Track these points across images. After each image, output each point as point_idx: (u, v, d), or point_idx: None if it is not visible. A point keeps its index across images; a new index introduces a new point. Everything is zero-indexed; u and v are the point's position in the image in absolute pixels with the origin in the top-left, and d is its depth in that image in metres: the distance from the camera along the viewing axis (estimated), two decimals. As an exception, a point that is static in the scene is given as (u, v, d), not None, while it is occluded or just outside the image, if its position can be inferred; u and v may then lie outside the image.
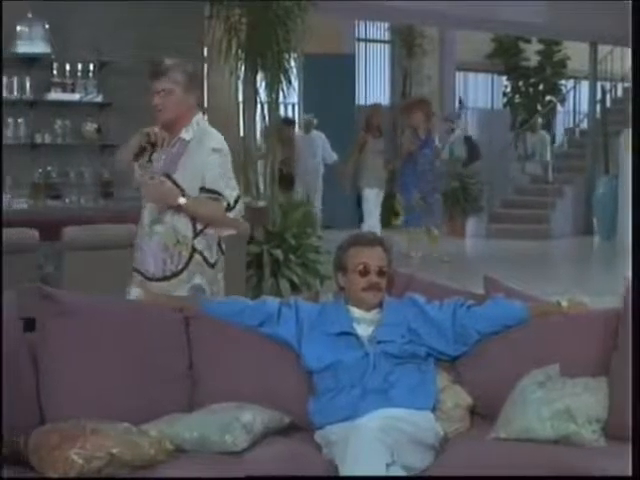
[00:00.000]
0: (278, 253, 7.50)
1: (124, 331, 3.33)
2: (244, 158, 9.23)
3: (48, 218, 6.46)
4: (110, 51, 8.34)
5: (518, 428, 3.11)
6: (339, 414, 3.22)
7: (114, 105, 8.44)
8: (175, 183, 3.99)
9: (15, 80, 8.13)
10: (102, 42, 8.30)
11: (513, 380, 3.25)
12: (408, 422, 3.12)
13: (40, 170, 8.18)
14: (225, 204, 4.01)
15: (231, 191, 4.05)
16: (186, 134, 4.04)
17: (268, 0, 8.51)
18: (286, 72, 9.04)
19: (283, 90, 9.21)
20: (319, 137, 12.91)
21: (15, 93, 8.15)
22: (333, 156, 12.80)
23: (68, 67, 8.29)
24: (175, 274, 4.00)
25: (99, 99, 8.44)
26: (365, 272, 3.48)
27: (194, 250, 4.00)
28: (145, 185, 4.06)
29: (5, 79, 8.07)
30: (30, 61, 8.18)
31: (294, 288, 7.46)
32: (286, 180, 11.49)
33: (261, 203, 7.88)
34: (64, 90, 8.28)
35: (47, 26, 8.05)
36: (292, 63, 9.31)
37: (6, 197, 7.60)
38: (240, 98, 9.73)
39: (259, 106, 9.26)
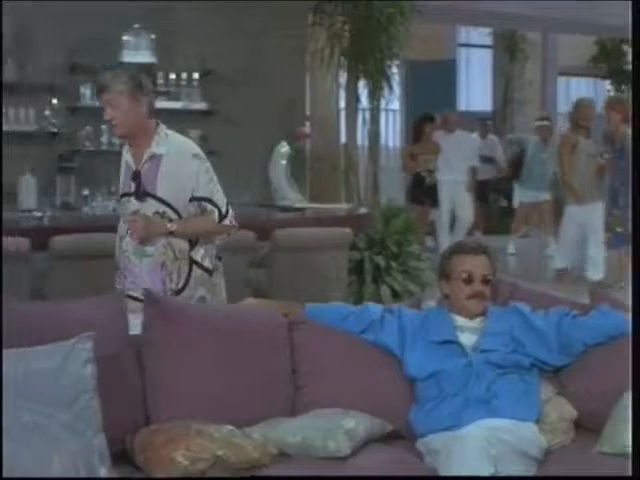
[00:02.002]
0: (379, 260, 7.50)
1: (229, 334, 3.35)
2: (345, 165, 9.28)
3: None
4: (214, 60, 8.46)
5: (623, 443, 3.04)
6: (442, 423, 3.20)
7: (218, 113, 8.56)
8: (161, 200, 3.91)
9: (122, 89, 8.33)
10: (206, 51, 8.43)
11: (617, 393, 3.17)
12: (512, 433, 3.07)
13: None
14: (217, 212, 3.94)
15: (221, 196, 3.97)
16: (157, 148, 3.93)
17: (371, 5, 8.53)
18: (388, 79, 9.06)
19: (385, 97, 9.23)
20: (466, 137, 11.05)
21: (122, 101, 8.34)
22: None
23: (173, 76, 8.45)
24: (177, 292, 3.93)
25: (203, 107, 8.57)
26: (469, 280, 3.45)
27: (193, 262, 3.95)
28: (131, 226, 3.94)
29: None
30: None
31: (395, 295, 7.45)
32: (430, 193, 10.35)
33: (363, 209, 7.89)
34: (169, 98, 8.44)
35: (153, 36, 8.22)
36: (394, 70, 9.31)
37: (111, 202, 7.79)
38: (341, 105, 9.78)
39: (360, 113, 9.30)
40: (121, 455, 2.97)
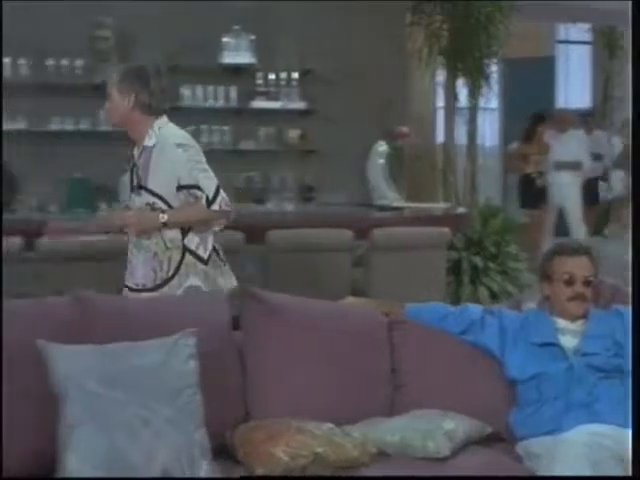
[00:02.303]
0: (477, 260, 7.44)
1: (328, 332, 3.36)
2: (443, 164, 9.23)
3: (252, 222, 6.65)
4: (313, 59, 8.51)
5: None
6: (543, 427, 3.16)
7: (316, 112, 8.61)
8: (151, 192, 3.93)
9: (221, 89, 8.45)
10: (305, 51, 8.48)
11: None
12: (612, 439, 3.01)
13: (244, 175, 8.45)
14: (204, 198, 3.88)
15: (209, 181, 3.90)
16: (148, 141, 3.95)
17: (471, 4, 8.47)
18: (487, 77, 8.98)
19: (483, 95, 9.15)
20: (577, 135, 10.40)
21: (221, 102, 8.47)
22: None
23: (272, 76, 8.53)
24: (166, 281, 3.94)
25: (302, 106, 8.63)
26: (570, 282, 3.40)
27: (186, 250, 3.95)
28: (127, 221, 4.03)
29: (211, 88, 8.41)
30: (235, 71, 8.48)
31: (493, 296, 7.38)
32: (541, 195, 9.90)
33: (461, 209, 7.84)
34: (268, 98, 8.52)
35: (253, 37, 8.31)
36: (493, 68, 9.22)
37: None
38: (438, 104, 9.73)
39: (458, 112, 9.24)
40: (221, 450, 3.00)
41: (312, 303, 3.53)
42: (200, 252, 3.96)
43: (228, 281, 4.06)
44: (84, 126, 8.13)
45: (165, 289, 3.91)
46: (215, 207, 3.89)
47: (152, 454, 2.75)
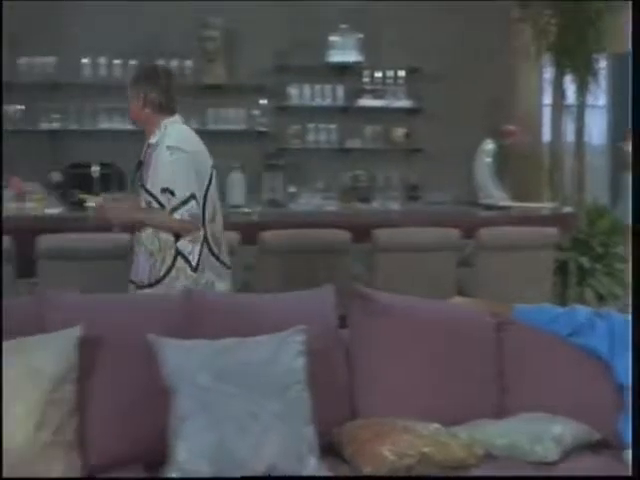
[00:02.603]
0: (584, 261, 7.31)
1: (436, 332, 3.35)
2: (550, 163, 9.08)
3: (358, 220, 6.68)
4: (419, 57, 8.48)
5: None
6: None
7: (423, 110, 8.58)
8: (147, 191, 3.97)
9: (328, 88, 8.50)
10: (412, 49, 8.46)
11: None
12: None
13: (350, 174, 8.48)
14: (171, 205, 3.88)
15: (183, 190, 3.87)
16: (153, 139, 4.02)
17: (580, 1, 8.31)
18: (595, 74, 8.80)
19: (591, 92, 8.97)
20: None
21: (328, 100, 8.51)
22: None
23: (378, 74, 8.54)
24: (158, 280, 3.97)
25: (408, 105, 8.61)
26: (681, 285, 3.32)
27: (178, 254, 3.95)
28: (106, 213, 4.13)
29: (318, 87, 8.47)
30: (342, 69, 8.51)
31: (600, 298, 7.24)
32: None
33: (568, 209, 7.71)
34: (374, 97, 8.53)
35: (360, 36, 8.33)
36: (601, 64, 9.04)
37: (316, 199, 7.98)
38: (545, 102, 9.57)
39: (566, 109, 9.08)
40: (328, 447, 3.03)
41: (419, 302, 3.52)
42: (190, 258, 3.98)
43: (225, 286, 4.10)
44: (192, 125, 8.23)
45: (158, 287, 3.96)
46: (177, 215, 3.89)
47: (260, 449, 2.79)
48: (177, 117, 4.08)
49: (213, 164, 4.12)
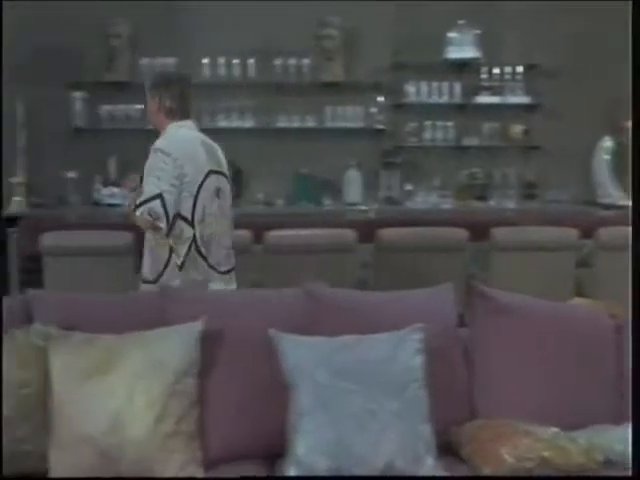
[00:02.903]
0: None
1: (555, 333, 3.30)
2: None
3: (474, 218, 6.63)
4: (537, 54, 8.35)
5: None
6: None
7: (541, 107, 8.44)
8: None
9: (445, 85, 8.44)
10: (531, 45, 8.34)
11: None
12: None
13: (466, 172, 8.41)
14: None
15: (150, 187, 3.97)
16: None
17: None
18: None
19: None
20: None
21: (445, 97, 8.45)
22: None
23: (496, 70, 8.44)
24: (159, 276, 4.07)
25: (526, 101, 8.49)
26: None
27: (172, 250, 4.05)
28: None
29: (435, 84, 8.42)
30: (460, 66, 8.43)
31: None
32: None
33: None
34: (492, 93, 8.43)
35: (478, 32, 8.25)
36: None
37: (433, 197, 7.95)
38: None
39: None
40: (445, 447, 3.02)
41: (538, 303, 3.47)
42: (176, 256, 4.07)
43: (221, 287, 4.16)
44: (310, 123, 8.33)
45: (158, 283, 4.05)
46: (137, 212, 3.99)
47: (378, 446, 2.81)
48: (188, 122, 4.24)
49: (218, 170, 4.22)
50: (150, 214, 3.96)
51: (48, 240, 5.57)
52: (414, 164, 8.30)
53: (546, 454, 2.82)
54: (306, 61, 8.29)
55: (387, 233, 5.79)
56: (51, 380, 2.87)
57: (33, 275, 5.69)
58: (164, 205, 3.97)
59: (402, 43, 8.27)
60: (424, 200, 7.84)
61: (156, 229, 4.01)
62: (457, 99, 8.47)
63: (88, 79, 8.09)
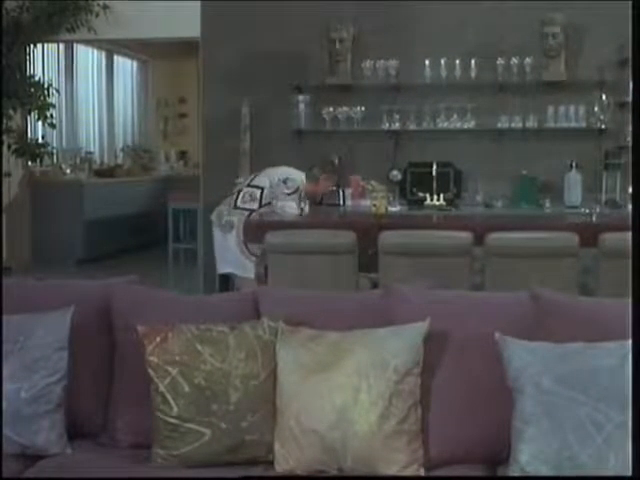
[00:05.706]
0: None
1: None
2: None
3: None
4: None
5: None
6: None
7: None
8: None
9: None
10: None
11: None
12: None
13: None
14: None
15: None
16: None
17: None
18: None
19: None
20: None
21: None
22: None
23: None
24: None
25: None
26: None
27: None
28: None
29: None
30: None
31: None
32: None
33: None
34: None
35: None
36: None
37: None
38: None
39: None
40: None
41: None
42: None
43: None
44: (531, 124, 8.19)
45: None
46: None
47: (602, 459, 2.72)
48: None
49: None
50: None
51: (272, 238, 5.75)
52: None
53: None
54: (528, 60, 8.15)
55: (611, 238, 5.59)
56: (277, 373, 2.96)
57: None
58: None
59: (629, 38, 7.98)
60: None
61: None
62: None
63: (312, 83, 8.29)
